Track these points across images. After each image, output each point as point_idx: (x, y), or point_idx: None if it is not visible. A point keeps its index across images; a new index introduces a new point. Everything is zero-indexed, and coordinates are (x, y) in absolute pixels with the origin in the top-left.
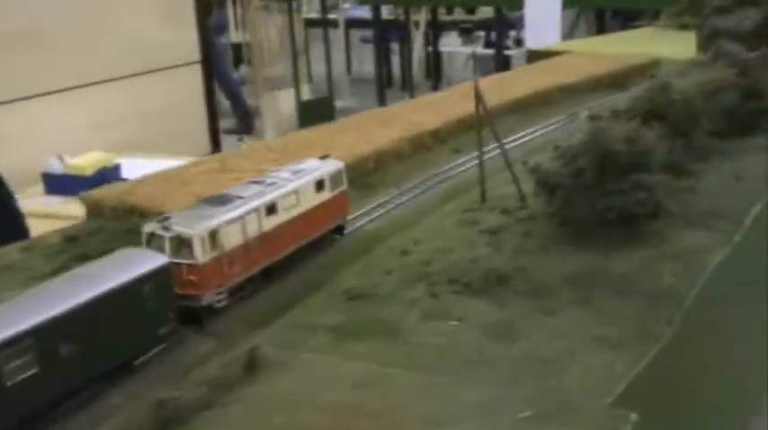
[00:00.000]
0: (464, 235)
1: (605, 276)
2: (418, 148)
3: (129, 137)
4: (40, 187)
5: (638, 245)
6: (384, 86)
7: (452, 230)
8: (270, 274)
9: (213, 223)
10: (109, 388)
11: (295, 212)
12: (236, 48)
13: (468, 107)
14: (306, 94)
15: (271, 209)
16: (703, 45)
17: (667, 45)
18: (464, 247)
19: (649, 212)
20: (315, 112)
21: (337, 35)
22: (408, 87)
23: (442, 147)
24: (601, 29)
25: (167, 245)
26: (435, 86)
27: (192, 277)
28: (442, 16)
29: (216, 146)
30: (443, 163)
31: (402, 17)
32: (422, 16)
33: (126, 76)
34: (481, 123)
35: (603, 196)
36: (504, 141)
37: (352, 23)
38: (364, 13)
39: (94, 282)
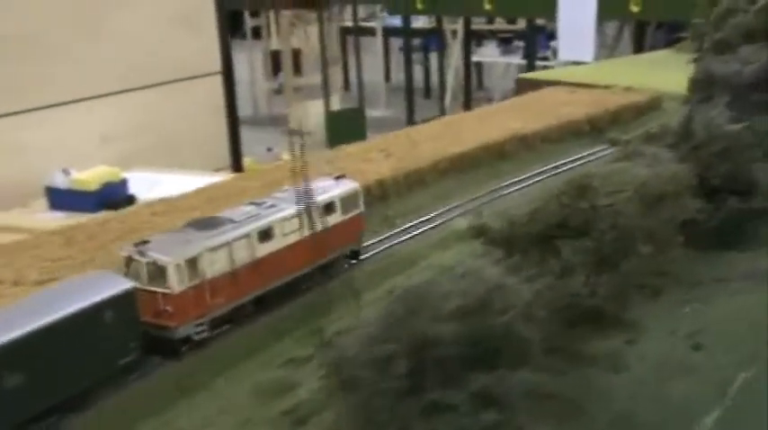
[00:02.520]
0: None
1: None
2: None
3: (142, 150)
4: (44, 202)
5: None
6: (412, 96)
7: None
8: (264, 303)
9: (193, 249)
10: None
11: (296, 237)
12: (275, 55)
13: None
14: (336, 104)
15: (265, 234)
16: (693, 91)
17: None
18: None
19: None
20: (344, 123)
21: (377, 43)
22: (440, 98)
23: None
24: (640, 43)
25: (144, 271)
26: (467, 100)
27: (167, 307)
28: (481, 25)
29: (236, 159)
30: None
31: (443, 26)
32: (459, 26)
33: (141, 88)
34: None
35: (421, 414)
36: (410, 225)
37: (392, 32)
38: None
39: (50, 308)
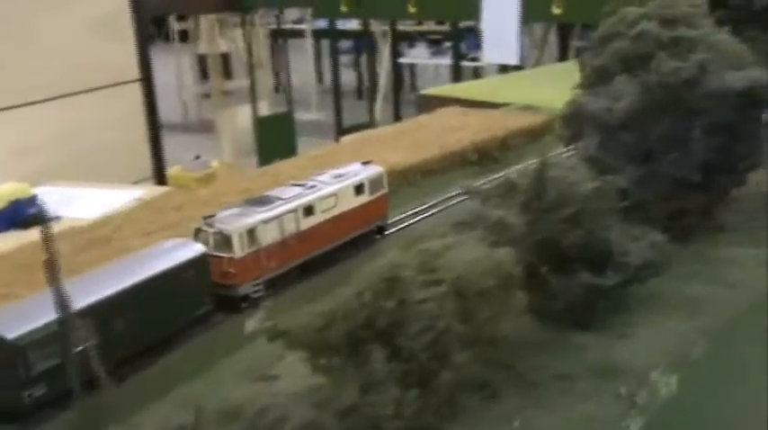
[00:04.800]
0: None
1: None
2: None
3: (59, 163)
4: None
5: None
6: (339, 99)
7: None
8: (307, 269)
9: (251, 221)
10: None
11: (333, 213)
12: (203, 59)
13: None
14: (266, 109)
15: (308, 210)
16: (565, 127)
17: None
18: None
19: None
20: (273, 128)
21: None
22: (370, 99)
23: None
24: (564, 46)
25: (211, 240)
26: (396, 102)
27: (230, 269)
28: (411, 26)
29: (159, 169)
30: None
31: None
32: (387, 28)
33: (56, 97)
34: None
35: None
36: None
37: (322, 34)
38: (338, 24)
39: (143, 267)
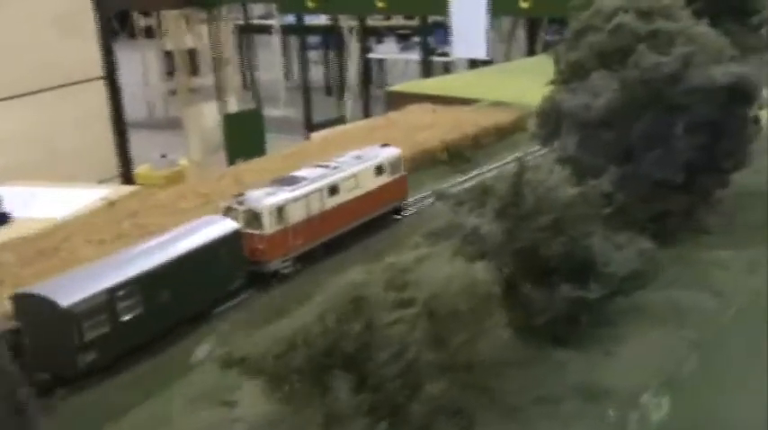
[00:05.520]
0: None
1: None
2: None
3: (23, 163)
4: None
5: None
6: (309, 96)
7: None
8: (331, 247)
9: (280, 199)
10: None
11: (355, 194)
12: (169, 55)
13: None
14: (234, 105)
15: (333, 190)
16: (541, 126)
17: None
18: None
19: None
20: (242, 125)
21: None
22: (338, 95)
23: None
24: (532, 40)
25: (240, 217)
26: (366, 98)
27: (260, 245)
28: (379, 21)
29: (126, 167)
30: None
31: (341, 23)
32: (355, 23)
33: (17, 96)
34: None
35: None
36: None
37: (290, 30)
38: (306, 19)
39: (183, 242)
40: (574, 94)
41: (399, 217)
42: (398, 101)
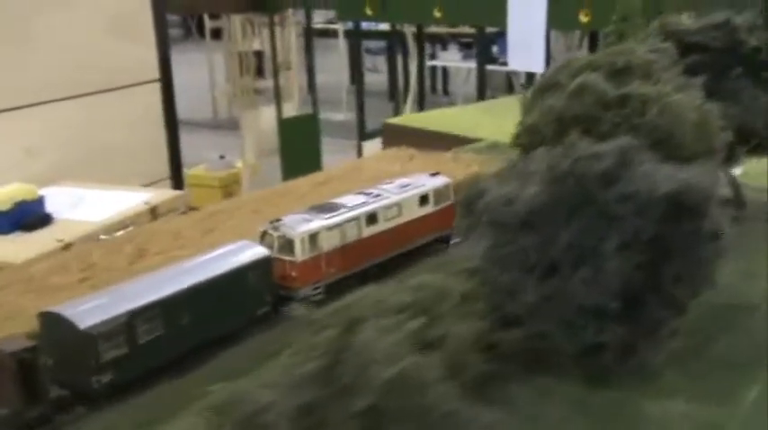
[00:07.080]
0: None
1: None
2: None
3: (73, 163)
4: None
5: None
6: (362, 101)
7: None
8: (367, 277)
9: (314, 227)
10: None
11: (396, 222)
12: (236, 57)
13: None
14: (294, 109)
15: (371, 218)
16: (460, 224)
17: None
18: None
19: None
20: (298, 130)
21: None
22: (398, 101)
23: None
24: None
25: (275, 242)
26: (421, 105)
27: (292, 272)
28: (442, 28)
29: (176, 169)
30: None
31: (405, 29)
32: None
33: (71, 97)
34: None
35: None
36: None
37: (356, 34)
38: (372, 24)
39: (210, 266)
40: (505, 178)
41: (446, 246)
42: (394, 135)
